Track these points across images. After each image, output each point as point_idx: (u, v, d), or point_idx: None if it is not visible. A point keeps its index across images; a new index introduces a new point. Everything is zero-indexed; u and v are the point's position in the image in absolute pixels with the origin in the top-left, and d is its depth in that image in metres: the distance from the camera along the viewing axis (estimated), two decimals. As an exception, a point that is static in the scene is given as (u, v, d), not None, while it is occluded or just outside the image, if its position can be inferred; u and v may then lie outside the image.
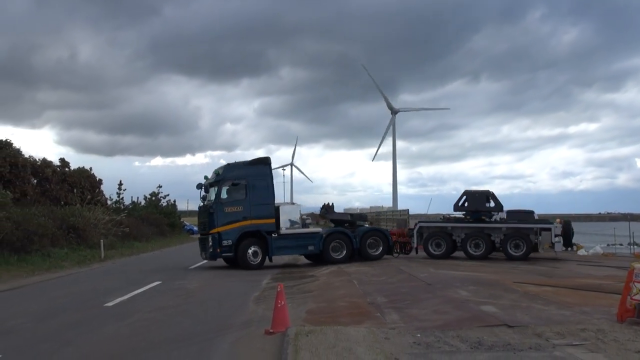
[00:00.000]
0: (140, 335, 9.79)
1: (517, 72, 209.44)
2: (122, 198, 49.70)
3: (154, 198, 56.93)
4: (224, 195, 22.19)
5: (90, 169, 44.06)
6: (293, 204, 24.12)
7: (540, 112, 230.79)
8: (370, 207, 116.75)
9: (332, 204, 25.98)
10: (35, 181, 37.04)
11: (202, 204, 23.63)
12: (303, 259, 24.89)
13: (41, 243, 25.55)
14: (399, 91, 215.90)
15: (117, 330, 10.30)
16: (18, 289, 17.34)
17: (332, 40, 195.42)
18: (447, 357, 7.33)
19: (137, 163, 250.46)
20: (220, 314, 11.88)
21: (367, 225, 25.73)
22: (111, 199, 47.16)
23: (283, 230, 22.58)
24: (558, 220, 33.00)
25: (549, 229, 23.39)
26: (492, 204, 24.46)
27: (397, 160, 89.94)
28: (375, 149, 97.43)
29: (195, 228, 44.73)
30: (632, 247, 32.22)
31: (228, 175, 22.48)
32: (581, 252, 28.09)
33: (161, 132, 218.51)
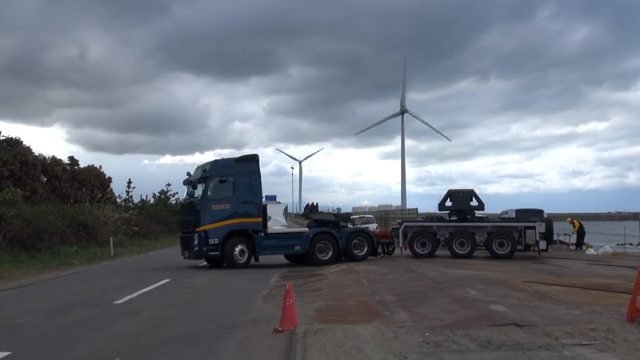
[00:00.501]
0: (149, 332, 9.81)
1: (527, 71, 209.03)
2: (132, 196, 49.90)
3: (162, 196, 57.06)
4: (211, 192, 21.56)
5: (100, 167, 44.25)
6: (279, 202, 23.48)
7: (550, 111, 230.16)
8: (379, 206, 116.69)
9: (317, 203, 25.75)
10: (45, 179, 37.20)
11: (185, 200, 23.31)
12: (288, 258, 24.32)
13: (51, 241, 25.71)
14: (408, 89, 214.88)
15: (126, 328, 10.34)
16: (28, 287, 17.43)
17: (341, 39, 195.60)
18: (456, 356, 7.32)
19: (146, 161, 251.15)
20: (229, 312, 11.90)
21: (351, 226, 25.30)
22: (120, 197, 47.35)
23: (270, 230, 22.19)
24: (569, 219, 32.95)
25: (533, 228, 23.64)
26: (475, 202, 24.64)
27: (406, 159, 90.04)
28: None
29: None
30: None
31: (216, 171, 21.94)
32: (590, 251, 27.98)
33: (170, 130, 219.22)
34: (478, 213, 25.95)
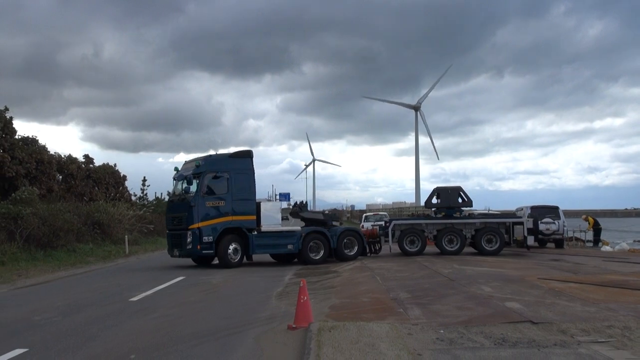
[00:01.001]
0: (164, 330, 9.86)
1: (542, 67, 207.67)
2: (146, 194, 50.09)
3: (177, 194, 57.10)
4: (205, 188, 20.93)
5: (115, 165, 44.50)
6: (269, 200, 23.18)
7: (565, 107, 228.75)
8: (393, 203, 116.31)
9: (306, 202, 25.35)
10: (60, 177, 37.48)
11: (176, 196, 22.34)
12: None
13: (67, 239, 25.94)
14: (422, 86, 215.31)
15: (141, 325, 10.39)
16: (44, 284, 17.58)
17: (355, 36, 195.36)
18: (470, 354, 7.29)
19: (160, 159, 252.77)
20: (244, 309, 11.92)
21: (339, 225, 24.96)
22: (135, 195, 47.58)
23: (264, 228, 21.71)
24: (584, 216, 32.74)
25: (521, 223, 23.74)
26: (463, 199, 24.60)
27: (420, 156, 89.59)
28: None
29: None
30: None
31: (210, 167, 21.24)
32: (606, 248, 27.78)
33: (184, 128, 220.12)
34: (467, 209, 25.84)
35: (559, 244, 28.94)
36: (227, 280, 17.42)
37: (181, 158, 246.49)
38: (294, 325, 9.23)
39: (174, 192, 23.16)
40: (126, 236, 30.27)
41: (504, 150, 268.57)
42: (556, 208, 29.44)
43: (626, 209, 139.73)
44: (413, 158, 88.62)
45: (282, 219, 23.48)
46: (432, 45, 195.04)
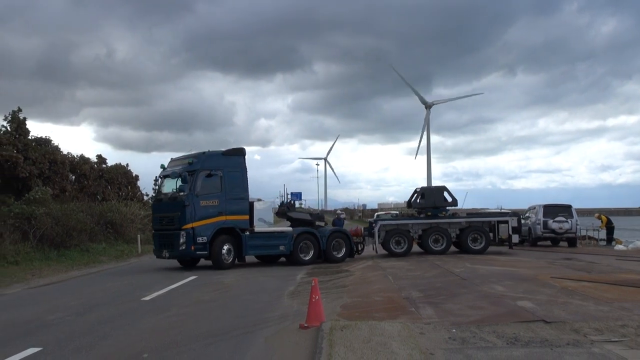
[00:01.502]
0: (177, 329, 9.90)
1: (554, 65, 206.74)
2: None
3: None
4: (199, 187, 20.02)
5: (127, 165, 44.65)
6: (259, 200, 22.05)
7: (578, 105, 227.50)
8: (405, 202, 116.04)
9: (294, 201, 24.93)
10: (73, 178, 37.66)
11: (168, 195, 21.17)
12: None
13: (80, 238, 26.08)
14: (434, 85, 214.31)
15: (154, 324, 10.44)
16: (58, 284, 17.69)
17: (365, 35, 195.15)
18: (483, 353, 7.27)
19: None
20: (256, 309, 11.95)
21: (325, 225, 24.23)
22: (147, 195, 47.74)
23: (257, 228, 21.08)
24: (596, 215, 32.55)
25: (506, 222, 23.74)
26: (449, 198, 24.56)
27: (432, 155, 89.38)
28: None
29: None
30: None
31: (204, 165, 20.35)
32: (620, 246, 27.59)
33: (196, 128, 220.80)
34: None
35: (572, 242, 28.77)
36: (239, 280, 17.46)
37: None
38: (305, 325, 9.25)
39: (159, 190, 22.26)
40: (139, 235, 30.39)
41: (516, 149, 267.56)
42: (569, 207, 29.27)
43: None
44: (425, 157, 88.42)
45: (290, 218, 23.05)
46: (443, 43, 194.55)
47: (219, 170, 20.47)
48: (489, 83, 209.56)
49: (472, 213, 28.17)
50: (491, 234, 23.67)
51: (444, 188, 24.93)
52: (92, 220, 28.42)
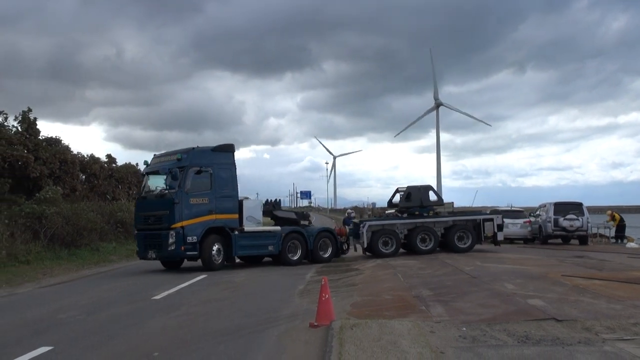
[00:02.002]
0: (187, 328, 9.92)
1: (564, 62, 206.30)
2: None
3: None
4: (189, 184, 19.13)
5: (137, 164, 44.77)
6: (247, 198, 21.49)
7: (589, 102, 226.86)
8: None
9: (280, 200, 24.24)
10: (83, 177, 37.80)
11: (155, 192, 20.12)
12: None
13: (90, 238, 26.20)
14: (443, 82, 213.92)
15: (164, 323, 10.46)
16: (69, 283, 17.77)
17: (375, 33, 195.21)
18: (493, 351, 7.23)
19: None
20: (266, 307, 11.95)
21: (309, 224, 23.69)
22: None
23: (247, 228, 20.37)
24: (609, 212, 32.37)
25: (491, 220, 23.76)
26: (434, 197, 24.54)
27: (442, 153, 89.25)
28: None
29: None
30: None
31: (193, 161, 19.44)
32: (632, 244, 27.44)
33: (206, 127, 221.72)
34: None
35: (583, 240, 28.63)
36: (248, 279, 17.48)
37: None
38: (315, 323, 9.24)
39: (143, 188, 21.07)
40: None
41: (526, 147, 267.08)
42: (580, 204, 29.13)
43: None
44: (434, 155, 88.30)
45: (275, 217, 22.50)
46: (453, 41, 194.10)
47: (208, 167, 19.68)
48: (498, 80, 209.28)
49: (455, 212, 28.07)
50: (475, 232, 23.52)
51: (429, 187, 24.85)
52: (103, 219, 28.51)
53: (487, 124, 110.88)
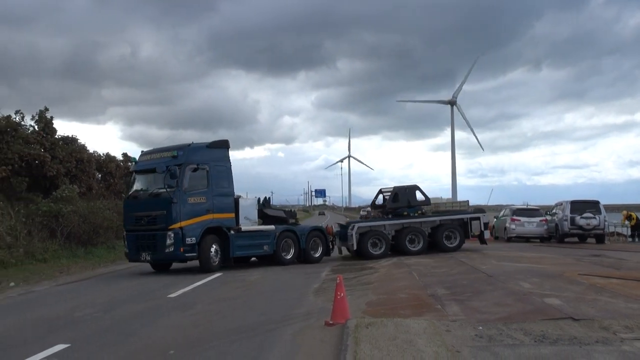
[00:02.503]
0: (202, 326, 9.95)
1: (581, 59, 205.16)
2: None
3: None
4: (186, 182, 18.29)
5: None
6: (239, 196, 20.32)
7: (605, 99, 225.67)
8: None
9: (270, 197, 23.47)
10: (99, 176, 37.99)
11: (152, 191, 18.91)
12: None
13: (106, 236, 26.39)
14: (458, 81, 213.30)
15: (180, 321, 10.50)
16: (85, 281, 17.89)
17: (390, 31, 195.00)
18: (510, 351, 7.18)
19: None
20: (281, 306, 11.96)
21: (296, 223, 23.36)
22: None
23: (244, 227, 19.75)
24: (624, 212, 32.12)
25: (478, 219, 23.66)
26: (421, 197, 24.41)
27: (456, 151, 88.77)
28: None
29: None
30: None
31: (190, 158, 18.60)
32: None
33: (221, 125, 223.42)
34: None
35: (600, 239, 28.44)
36: (264, 277, 17.51)
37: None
38: (330, 322, 9.23)
39: (132, 187, 20.05)
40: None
41: (542, 144, 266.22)
42: (597, 203, 28.95)
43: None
44: (449, 153, 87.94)
45: (266, 215, 21.71)
46: (468, 39, 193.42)
47: (205, 164, 18.88)
48: (514, 78, 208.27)
49: (439, 211, 27.98)
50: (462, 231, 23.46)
51: (416, 187, 24.72)
52: (119, 217, 28.60)
53: (482, 148, 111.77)
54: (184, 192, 18.16)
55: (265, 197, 22.85)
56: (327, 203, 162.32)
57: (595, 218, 27.61)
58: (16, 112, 29.36)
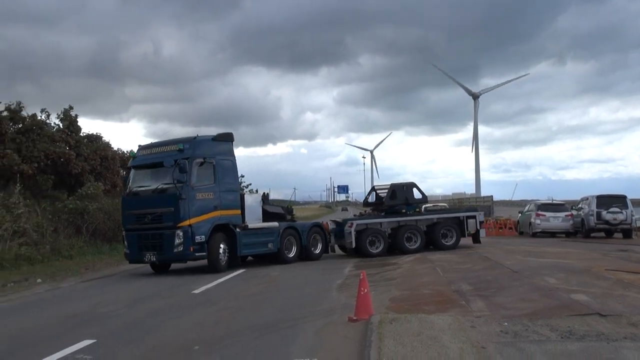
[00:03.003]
0: (226, 322, 9.98)
1: (605, 52, 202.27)
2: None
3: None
4: (194, 177, 17.31)
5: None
6: (244, 192, 19.69)
7: (631, 93, 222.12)
8: (452, 194, 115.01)
9: (268, 193, 22.99)
10: (124, 173, 38.33)
11: (141, 188, 18.30)
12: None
13: (131, 232, 26.54)
14: (481, 75, 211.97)
15: (204, 317, 10.54)
16: (110, 277, 18.06)
17: (411, 26, 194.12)
18: (536, 347, 7.09)
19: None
20: (304, 302, 11.96)
21: (294, 219, 22.81)
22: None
23: (251, 224, 18.87)
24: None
25: (474, 217, 23.37)
26: (418, 195, 24.11)
27: (480, 146, 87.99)
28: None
29: None
30: None
31: (197, 152, 17.63)
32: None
33: (243, 122, 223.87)
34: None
35: (627, 234, 28.04)
36: (287, 273, 17.52)
37: (240, 152, 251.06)
38: (354, 318, 9.19)
39: (130, 183, 18.88)
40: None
41: (567, 139, 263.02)
42: (624, 197, 28.54)
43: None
44: (471, 148, 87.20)
45: (265, 211, 20.48)
46: (490, 33, 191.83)
47: (211, 158, 17.95)
48: (538, 72, 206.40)
49: (432, 209, 27.73)
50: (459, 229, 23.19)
51: (413, 184, 24.40)
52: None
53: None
54: (191, 187, 17.19)
55: (264, 193, 22.15)
56: (349, 199, 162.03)
57: (622, 212, 27.22)
58: (42, 111, 29.79)
